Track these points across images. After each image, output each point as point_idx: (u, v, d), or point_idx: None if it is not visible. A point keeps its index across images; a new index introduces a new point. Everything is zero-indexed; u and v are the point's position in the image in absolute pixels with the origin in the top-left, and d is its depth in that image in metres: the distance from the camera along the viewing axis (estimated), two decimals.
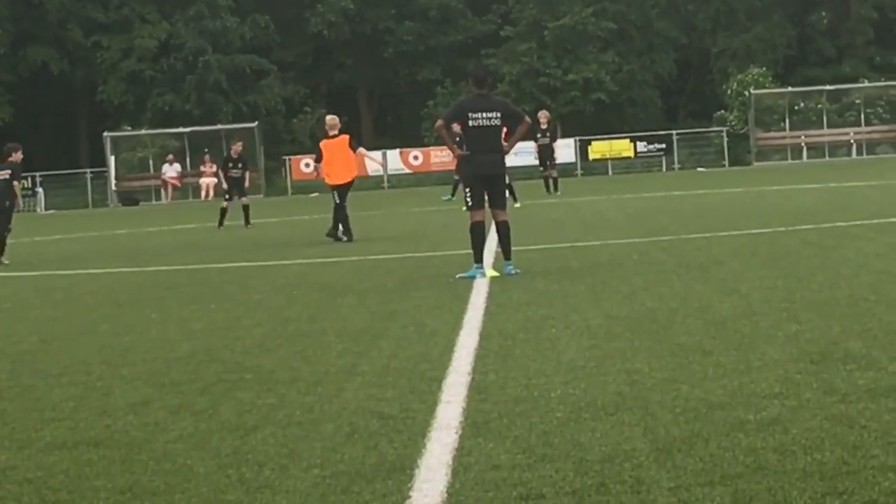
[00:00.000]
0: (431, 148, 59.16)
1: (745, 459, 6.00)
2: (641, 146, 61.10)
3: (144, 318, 13.16)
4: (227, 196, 31.89)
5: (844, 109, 62.97)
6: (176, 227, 33.63)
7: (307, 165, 52.98)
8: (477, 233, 15.09)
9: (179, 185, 61.66)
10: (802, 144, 61.60)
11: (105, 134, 62.13)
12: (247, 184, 32.25)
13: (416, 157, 60.38)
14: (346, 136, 24.28)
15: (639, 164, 59.28)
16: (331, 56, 73.26)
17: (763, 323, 10.02)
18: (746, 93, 61.91)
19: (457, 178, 40.33)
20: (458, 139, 16.95)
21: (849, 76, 66.19)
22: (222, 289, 15.95)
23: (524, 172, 51.42)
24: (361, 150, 26.01)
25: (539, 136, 39.14)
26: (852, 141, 61.45)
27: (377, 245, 21.96)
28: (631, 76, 68.93)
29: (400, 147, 60.46)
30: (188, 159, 62.73)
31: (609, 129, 63.40)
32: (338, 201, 23.69)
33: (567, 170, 54.44)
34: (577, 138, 59.54)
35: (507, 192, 16.28)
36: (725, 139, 61.96)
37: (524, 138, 17.87)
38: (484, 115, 15.10)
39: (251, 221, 30.96)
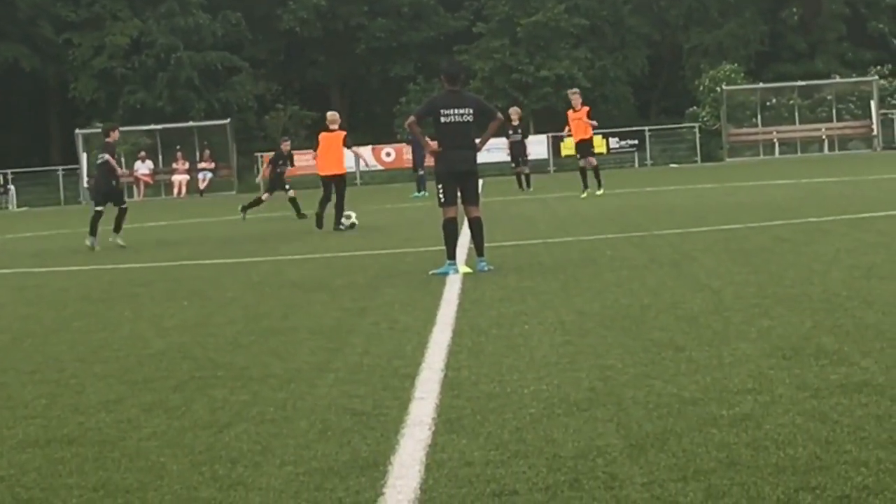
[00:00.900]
0: (404, 145, 59.10)
1: (718, 455, 6.01)
2: (614, 142, 61.27)
3: (117, 315, 13.12)
4: (269, 190, 31.84)
5: (816, 105, 63.21)
6: (148, 225, 33.51)
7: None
8: (450, 229, 15.10)
9: (152, 182, 61.54)
10: (774, 140, 61.80)
11: (77, 131, 61.86)
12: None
13: (388, 154, 60.30)
14: (343, 133, 26.20)
15: (611, 161, 59.34)
16: (303, 53, 73.12)
17: (735, 319, 10.04)
18: (718, 89, 62.10)
19: (421, 173, 40.45)
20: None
21: (821, 72, 66.49)
22: (195, 286, 15.90)
23: (496, 169, 51.49)
24: (356, 148, 28.47)
25: (511, 132, 39.17)
26: (824, 137, 61.69)
27: (350, 241, 21.94)
28: (603, 72, 69.07)
29: (372, 143, 60.27)
30: (160, 156, 62.57)
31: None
32: (337, 194, 25.55)
33: (539, 166, 54.49)
34: (550, 135, 59.56)
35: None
36: (698, 135, 62.12)
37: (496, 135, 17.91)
38: (456, 111, 15.13)
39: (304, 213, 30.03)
